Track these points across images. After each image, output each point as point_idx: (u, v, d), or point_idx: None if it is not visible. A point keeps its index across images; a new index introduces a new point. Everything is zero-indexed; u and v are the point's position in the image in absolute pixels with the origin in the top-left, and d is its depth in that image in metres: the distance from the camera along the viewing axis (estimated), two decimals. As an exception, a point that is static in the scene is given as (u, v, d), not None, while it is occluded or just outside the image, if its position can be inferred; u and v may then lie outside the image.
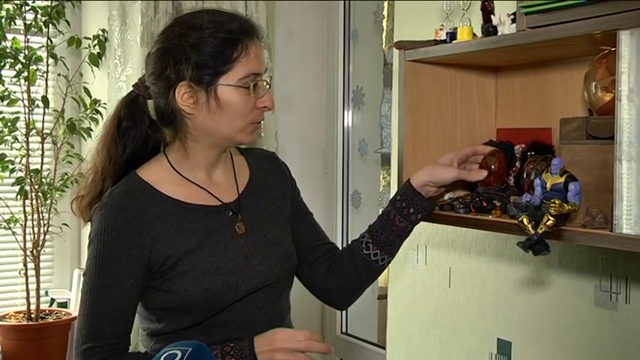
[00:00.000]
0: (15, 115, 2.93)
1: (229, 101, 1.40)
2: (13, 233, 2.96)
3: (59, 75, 3.05)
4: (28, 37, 2.94)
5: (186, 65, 1.38)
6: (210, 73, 1.39)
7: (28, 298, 2.95)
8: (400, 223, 1.55)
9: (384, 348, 2.52)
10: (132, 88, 1.51)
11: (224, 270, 1.42)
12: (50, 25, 2.97)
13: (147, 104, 1.49)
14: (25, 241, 2.95)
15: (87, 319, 1.39)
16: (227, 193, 1.51)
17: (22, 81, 2.93)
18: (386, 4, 3.17)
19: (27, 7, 2.93)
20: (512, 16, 1.46)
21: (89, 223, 1.47)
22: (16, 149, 2.96)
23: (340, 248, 1.66)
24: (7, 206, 2.97)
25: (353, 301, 1.67)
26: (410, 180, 1.56)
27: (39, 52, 2.97)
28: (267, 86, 1.45)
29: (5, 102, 2.93)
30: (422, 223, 1.59)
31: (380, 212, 1.60)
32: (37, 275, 2.97)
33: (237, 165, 1.57)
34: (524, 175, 1.56)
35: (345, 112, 3.36)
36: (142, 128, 1.49)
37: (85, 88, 3.07)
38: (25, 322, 2.92)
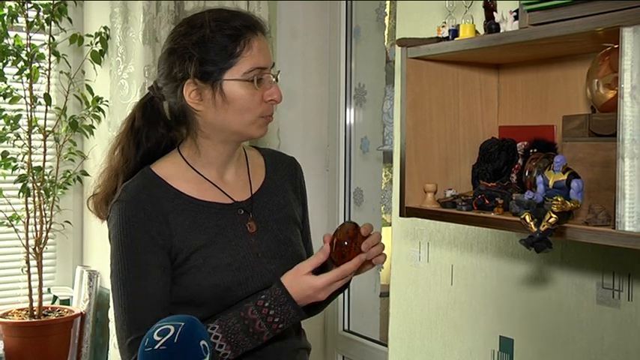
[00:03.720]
0: (17, 113, 2.93)
1: (235, 96, 1.41)
2: (16, 231, 2.97)
3: (61, 72, 3.05)
4: (31, 34, 2.94)
5: (190, 63, 1.40)
6: (214, 70, 1.40)
7: (30, 295, 2.96)
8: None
9: (385, 345, 2.52)
10: (147, 90, 1.53)
11: (234, 266, 1.44)
12: (52, 23, 2.97)
13: (162, 105, 1.50)
14: (27, 239, 2.95)
15: (126, 313, 1.38)
16: (239, 191, 1.52)
17: (25, 78, 2.94)
18: (388, 2, 3.17)
19: (29, 5, 2.93)
20: (514, 13, 1.46)
21: (104, 222, 1.48)
22: (19, 147, 2.97)
23: None
24: (10, 203, 2.98)
25: None
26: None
27: (41, 50, 2.98)
28: (274, 80, 1.45)
29: (7, 99, 2.94)
30: (424, 220, 1.59)
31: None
32: (40, 272, 2.97)
33: (253, 165, 1.58)
34: (527, 173, 1.56)
35: (347, 110, 3.35)
36: (156, 129, 1.51)
37: (87, 85, 3.08)
38: (28, 320, 2.92)
